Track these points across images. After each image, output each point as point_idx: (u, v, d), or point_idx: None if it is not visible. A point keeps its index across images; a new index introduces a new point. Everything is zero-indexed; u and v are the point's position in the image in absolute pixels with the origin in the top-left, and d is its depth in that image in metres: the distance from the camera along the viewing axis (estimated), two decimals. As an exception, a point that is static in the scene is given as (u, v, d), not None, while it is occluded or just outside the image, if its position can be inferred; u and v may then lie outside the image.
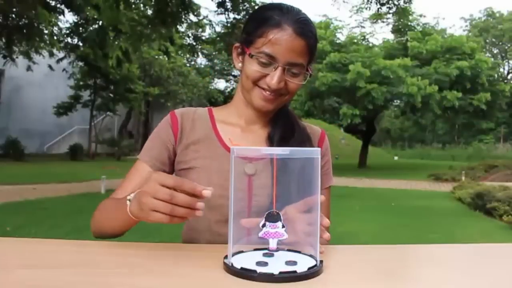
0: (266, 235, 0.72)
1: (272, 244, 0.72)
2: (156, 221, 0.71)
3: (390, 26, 18.35)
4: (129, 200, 0.80)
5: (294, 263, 0.68)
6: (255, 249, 0.76)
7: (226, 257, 0.71)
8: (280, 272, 0.64)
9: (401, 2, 9.39)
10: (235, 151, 0.71)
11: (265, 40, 0.92)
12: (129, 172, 1.04)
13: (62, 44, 11.64)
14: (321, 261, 0.69)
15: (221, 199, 0.92)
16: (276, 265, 0.67)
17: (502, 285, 0.69)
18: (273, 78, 0.93)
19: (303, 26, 0.93)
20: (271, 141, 1.03)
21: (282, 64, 0.93)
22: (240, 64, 1.00)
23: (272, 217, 0.71)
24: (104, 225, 0.95)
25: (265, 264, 0.67)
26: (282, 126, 1.04)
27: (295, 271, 0.65)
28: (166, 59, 17.57)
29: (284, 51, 0.92)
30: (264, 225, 0.72)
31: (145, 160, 1.02)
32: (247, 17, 1.09)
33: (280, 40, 0.91)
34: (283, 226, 0.72)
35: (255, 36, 0.94)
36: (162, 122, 1.06)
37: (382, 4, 9.38)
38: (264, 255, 0.73)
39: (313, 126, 1.12)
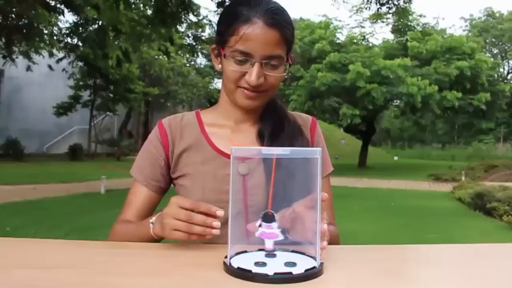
0: (262, 235, 0.71)
1: (268, 244, 0.72)
2: (176, 239, 0.80)
3: (390, 26, 18.37)
4: (152, 223, 0.88)
5: (293, 264, 0.68)
6: (259, 250, 0.76)
7: (226, 257, 0.71)
8: (276, 273, 0.64)
9: (401, 2, 9.40)
10: (234, 151, 0.71)
11: (236, 38, 0.89)
12: (128, 195, 1.05)
13: (62, 44, 11.65)
14: (322, 263, 0.69)
15: (217, 203, 0.91)
16: (275, 266, 0.67)
17: (502, 285, 0.69)
18: (251, 75, 0.90)
19: (274, 16, 0.90)
20: (261, 138, 1.01)
21: (259, 59, 0.90)
22: (220, 66, 0.98)
23: (267, 218, 0.71)
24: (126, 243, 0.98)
25: (264, 264, 0.67)
26: (271, 122, 1.02)
27: (291, 273, 0.64)
28: (166, 59, 17.56)
29: (258, 45, 0.89)
30: (260, 225, 0.71)
31: (139, 179, 1.03)
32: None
33: (251, 35, 0.88)
34: (278, 227, 0.71)
35: (227, 35, 0.92)
36: (151, 135, 1.05)
37: (382, 4, 9.39)
38: (266, 255, 0.73)
39: (303, 115, 1.10)
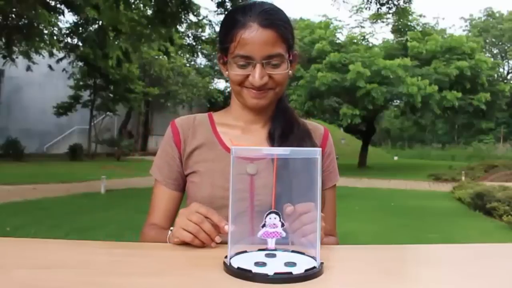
0: (265, 235, 0.72)
1: (271, 243, 0.72)
2: (181, 238, 0.82)
3: (390, 26, 18.35)
4: (171, 230, 0.90)
5: (293, 264, 0.68)
6: (259, 250, 0.76)
7: (226, 257, 0.71)
8: (276, 273, 0.64)
9: (401, 2, 9.39)
10: (234, 151, 0.71)
11: (235, 44, 0.94)
12: (152, 196, 1.09)
13: (62, 44, 11.62)
14: (322, 263, 0.69)
15: (224, 200, 0.92)
16: (275, 266, 0.67)
17: (502, 285, 0.69)
18: (254, 76, 0.94)
19: (267, 17, 0.93)
20: (272, 139, 1.04)
21: (259, 60, 0.94)
22: (227, 72, 1.01)
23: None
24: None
25: (264, 264, 0.67)
26: (282, 123, 1.05)
27: (291, 273, 0.64)
28: (166, 59, 17.56)
29: (256, 47, 0.93)
30: (264, 225, 0.72)
31: (159, 179, 1.07)
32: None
33: (248, 38, 0.92)
34: (282, 225, 0.72)
35: (227, 42, 0.96)
36: (165, 135, 1.09)
37: (382, 4, 9.38)
38: (266, 255, 0.73)
39: (315, 124, 1.13)
